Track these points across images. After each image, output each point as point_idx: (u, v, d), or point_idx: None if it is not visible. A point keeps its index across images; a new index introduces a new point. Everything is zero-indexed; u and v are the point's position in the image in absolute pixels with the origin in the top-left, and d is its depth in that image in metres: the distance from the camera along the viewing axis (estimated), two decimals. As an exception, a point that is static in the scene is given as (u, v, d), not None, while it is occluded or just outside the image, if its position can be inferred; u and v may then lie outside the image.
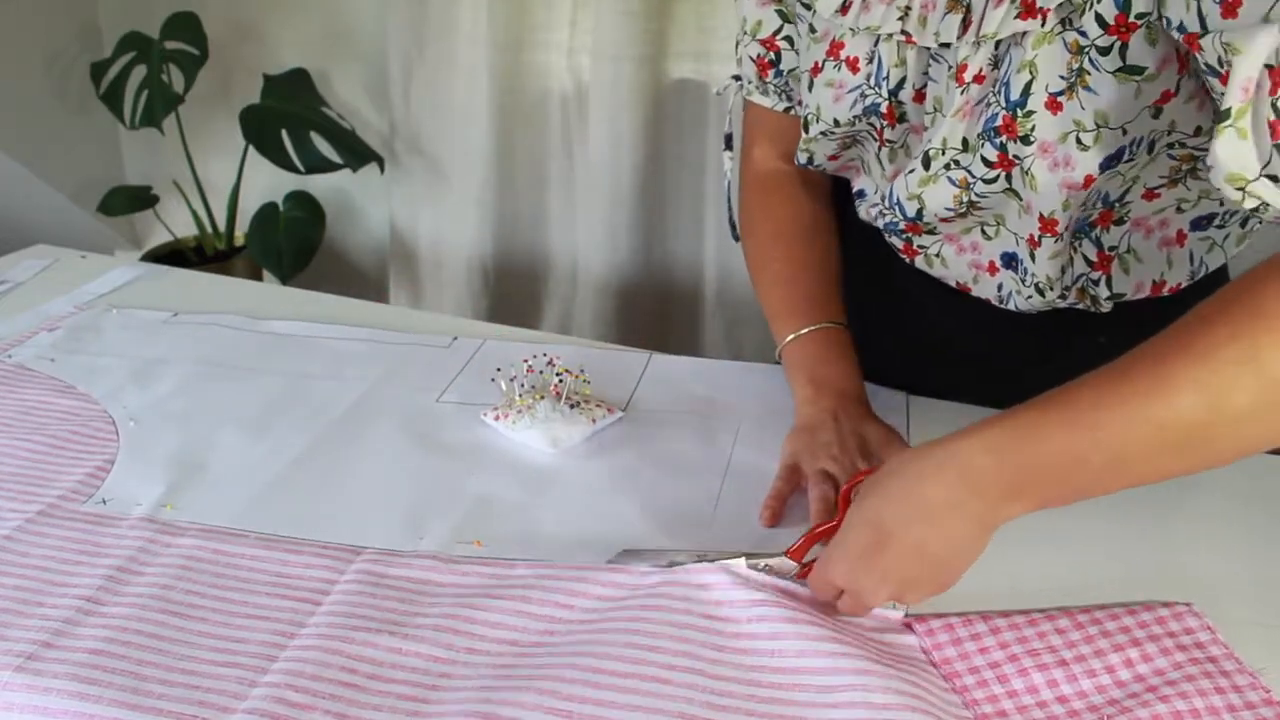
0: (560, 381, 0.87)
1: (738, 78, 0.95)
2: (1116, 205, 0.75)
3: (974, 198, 0.76)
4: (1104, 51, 0.65)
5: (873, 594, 0.63)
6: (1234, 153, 0.55)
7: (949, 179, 0.77)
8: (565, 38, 2.02)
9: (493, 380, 0.91)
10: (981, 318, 0.87)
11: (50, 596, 0.67)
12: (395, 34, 2.11)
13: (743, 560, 0.67)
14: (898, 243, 0.89)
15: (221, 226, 2.31)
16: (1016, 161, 0.72)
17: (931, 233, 0.85)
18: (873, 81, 0.79)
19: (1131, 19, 0.63)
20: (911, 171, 0.80)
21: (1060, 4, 0.65)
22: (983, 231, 0.82)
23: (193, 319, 1.06)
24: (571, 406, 0.86)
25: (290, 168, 2.08)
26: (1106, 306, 0.81)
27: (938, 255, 0.86)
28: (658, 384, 0.94)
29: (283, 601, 0.67)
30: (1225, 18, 0.55)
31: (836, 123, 0.83)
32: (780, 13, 0.87)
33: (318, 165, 2.09)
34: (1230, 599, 0.66)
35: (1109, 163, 0.69)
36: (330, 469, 0.81)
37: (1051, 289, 0.79)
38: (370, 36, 2.21)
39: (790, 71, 0.89)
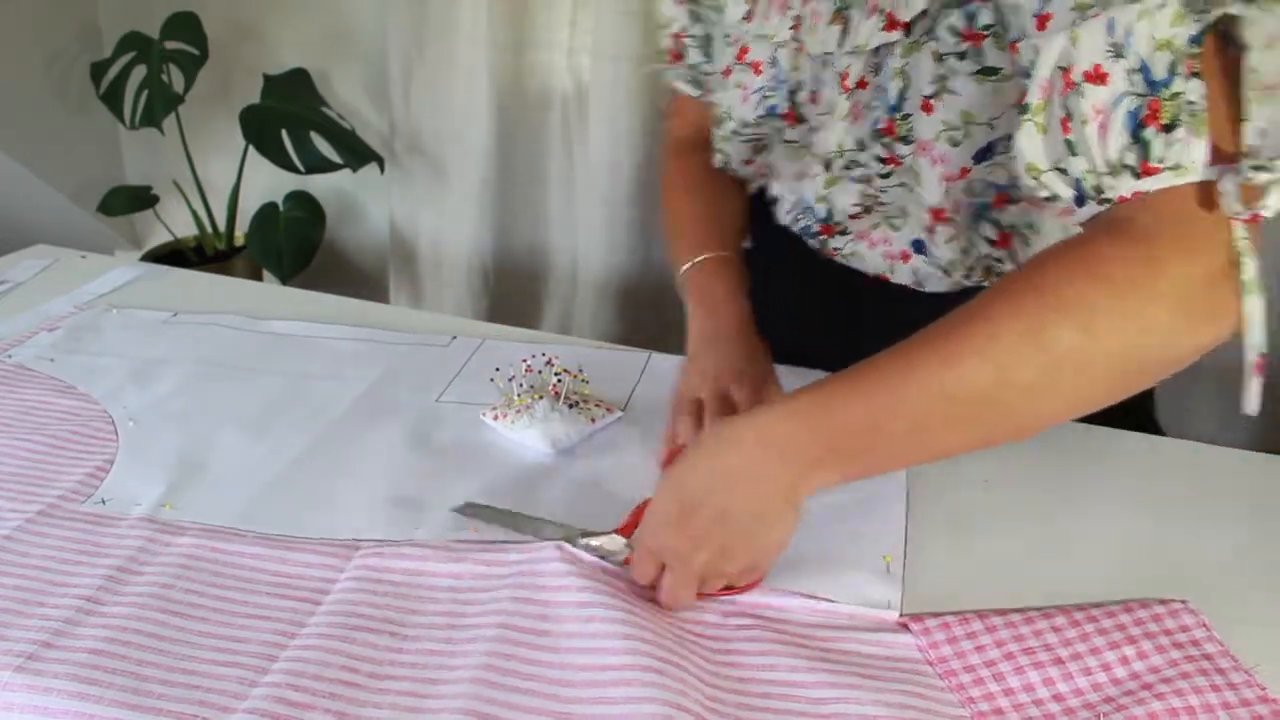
0: (559, 381, 0.87)
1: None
2: (1011, 189, 0.78)
3: (875, 192, 0.83)
4: (961, 56, 0.71)
5: (685, 563, 0.63)
6: (1031, 145, 0.60)
7: (851, 179, 0.84)
8: (565, 38, 2.02)
9: (491, 380, 0.91)
10: (909, 310, 0.88)
11: (50, 596, 0.67)
12: (395, 34, 2.11)
13: (577, 538, 0.69)
14: (815, 245, 0.93)
15: (221, 226, 2.31)
16: (901, 160, 0.78)
17: (844, 233, 0.90)
18: (773, 84, 0.85)
19: (978, 29, 0.69)
20: (816, 175, 0.86)
21: (915, 19, 0.72)
22: (890, 225, 0.86)
23: (193, 319, 1.06)
24: (570, 406, 0.86)
25: (290, 168, 2.07)
26: None
27: (853, 254, 0.90)
28: (657, 384, 0.94)
29: (283, 601, 0.67)
30: (1038, 30, 0.60)
31: (745, 123, 0.89)
32: (691, 13, 0.94)
33: (318, 165, 2.09)
34: (1226, 598, 0.66)
35: (982, 155, 0.75)
36: (330, 469, 0.82)
37: (957, 269, 0.84)
38: (370, 36, 2.21)
39: (693, 66, 0.97)
